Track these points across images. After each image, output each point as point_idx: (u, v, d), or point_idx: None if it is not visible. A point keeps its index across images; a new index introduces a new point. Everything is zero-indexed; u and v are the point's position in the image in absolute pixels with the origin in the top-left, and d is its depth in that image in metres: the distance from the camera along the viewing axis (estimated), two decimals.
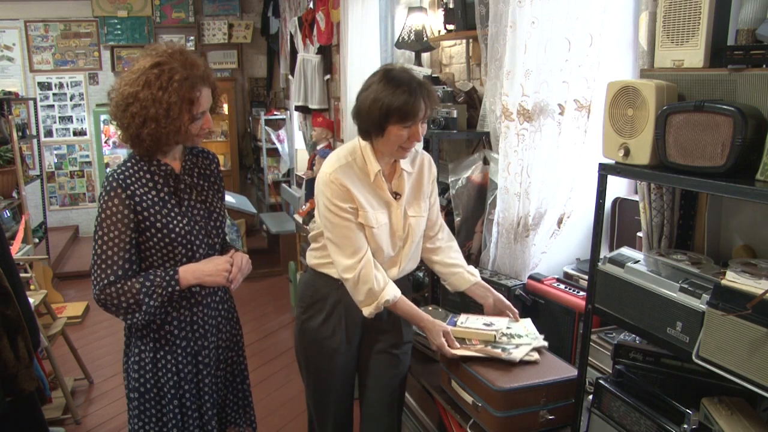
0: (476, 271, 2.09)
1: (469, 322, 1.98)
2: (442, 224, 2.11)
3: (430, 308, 2.50)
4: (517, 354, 1.81)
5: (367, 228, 1.84)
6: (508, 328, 1.95)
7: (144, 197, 1.66)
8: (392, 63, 1.87)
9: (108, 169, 6.95)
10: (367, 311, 1.85)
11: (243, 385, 2.00)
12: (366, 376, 2.04)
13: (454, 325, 1.97)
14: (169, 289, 1.66)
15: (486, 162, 2.65)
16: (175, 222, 1.70)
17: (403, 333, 2.02)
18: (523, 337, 1.89)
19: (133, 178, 1.67)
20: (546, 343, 1.92)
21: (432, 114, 1.75)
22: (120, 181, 1.64)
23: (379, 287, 1.83)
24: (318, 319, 1.95)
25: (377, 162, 1.85)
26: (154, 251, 1.69)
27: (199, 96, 1.64)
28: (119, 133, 1.68)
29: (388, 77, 1.75)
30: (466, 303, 2.41)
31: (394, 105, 1.71)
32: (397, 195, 1.91)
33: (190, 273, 1.69)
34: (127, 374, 1.80)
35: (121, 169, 1.68)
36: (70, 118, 7.14)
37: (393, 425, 2.05)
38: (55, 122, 7.11)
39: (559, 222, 2.23)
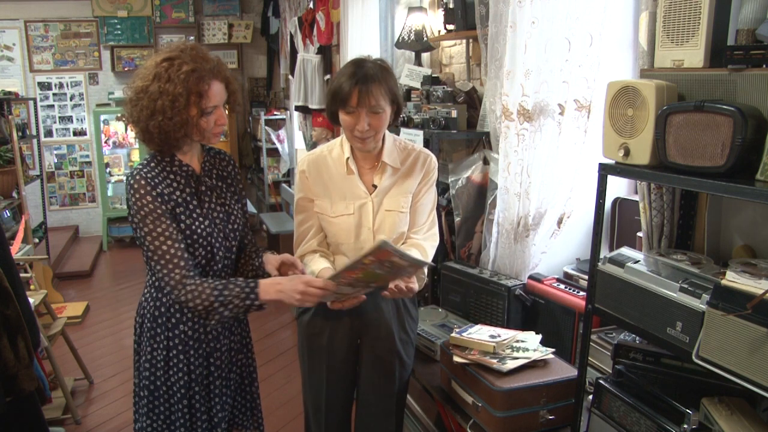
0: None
1: (476, 332, 1.98)
2: (428, 230, 1.94)
3: (429, 308, 2.50)
4: (510, 365, 1.81)
5: (324, 216, 1.87)
6: (519, 341, 1.95)
7: (170, 196, 1.65)
8: (368, 55, 1.86)
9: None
10: None
11: (251, 387, 1.98)
12: (362, 381, 2.01)
13: (462, 334, 1.97)
14: (248, 302, 1.61)
15: (486, 162, 2.65)
16: (197, 223, 1.68)
17: (397, 338, 1.94)
18: (529, 351, 1.89)
19: (159, 178, 1.65)
20: (552, 355, 1.91)
21: (377, 105, 1.73)
22: (148, 179, 1.62)
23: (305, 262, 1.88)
24: (308, 314, 1.97)
25: (349, 151, 1.87)
26: None
27: (208, 89, 1.63)
28: (135, 130, 1.66)
29: (345, 65, 1.82)
30: (466, 303, 2.41)
31: (332, 89, 1.80)
32: (375, 188, 1.88)
33: (273, 288, 1.63)
34: (138, 372, 1.80)
35: (146, 169, 1.65)
36: (70, 118, 7.13)
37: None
38: (55, 122, 7.10)
39: (559, 222, 2.23)
